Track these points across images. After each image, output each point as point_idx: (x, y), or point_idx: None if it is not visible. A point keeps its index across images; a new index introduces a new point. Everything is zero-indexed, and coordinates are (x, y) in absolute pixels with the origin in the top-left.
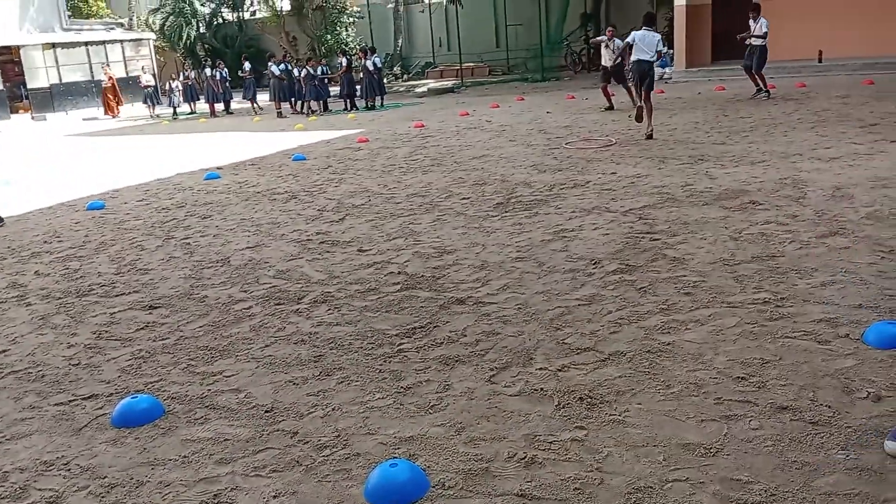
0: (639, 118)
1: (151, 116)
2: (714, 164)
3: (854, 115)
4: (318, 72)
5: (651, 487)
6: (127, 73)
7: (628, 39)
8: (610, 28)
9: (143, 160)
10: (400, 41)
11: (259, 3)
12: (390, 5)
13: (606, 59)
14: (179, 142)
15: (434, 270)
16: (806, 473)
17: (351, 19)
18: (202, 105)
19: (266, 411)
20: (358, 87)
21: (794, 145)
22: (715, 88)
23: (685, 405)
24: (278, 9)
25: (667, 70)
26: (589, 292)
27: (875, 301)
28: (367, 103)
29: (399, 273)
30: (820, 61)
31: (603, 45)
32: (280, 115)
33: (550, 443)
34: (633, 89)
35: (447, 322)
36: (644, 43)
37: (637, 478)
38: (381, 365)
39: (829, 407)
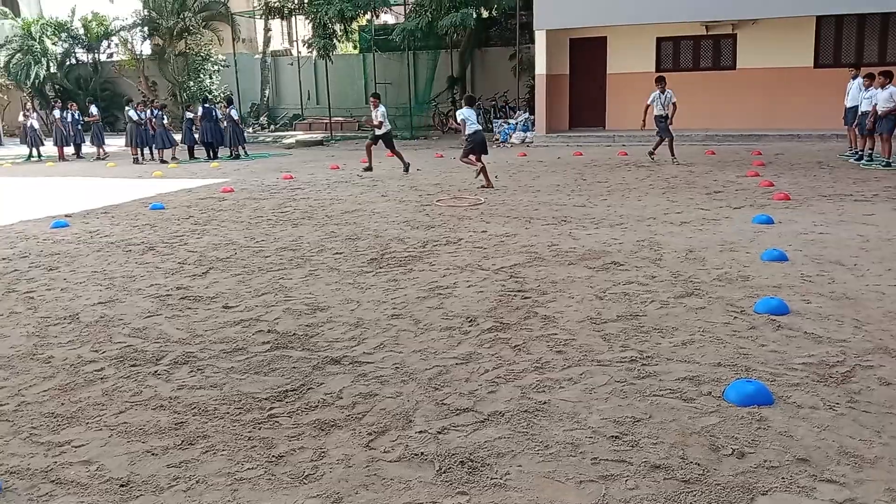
0: (483, 176)
1: None
2: (576, 225)
3: (700, 183)
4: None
5: None
6: None
7: (461, 118)
8: (373, 97)
9: None
10: (267, 92)
11: (117, 45)
12: (257, 56)
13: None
14: (24, 186)
15: (307, 328)
16: None
17: (216, 67)
18: (48, 148)
19: (121, 486)
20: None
21: (648, 209)
22: (574, 153)
23: (564, 466)
24: (138, 52)
25: (528, 134)
26: (466, 350)
27: (732, 359)
28: (231, 153)
29: (269, 331)
30: None
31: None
32: (136, 161)
33: None
34: (471, 157)
35: (321, 384)
36: (473, 118)
37: None
38: (249, 432)
39: (699, 465)
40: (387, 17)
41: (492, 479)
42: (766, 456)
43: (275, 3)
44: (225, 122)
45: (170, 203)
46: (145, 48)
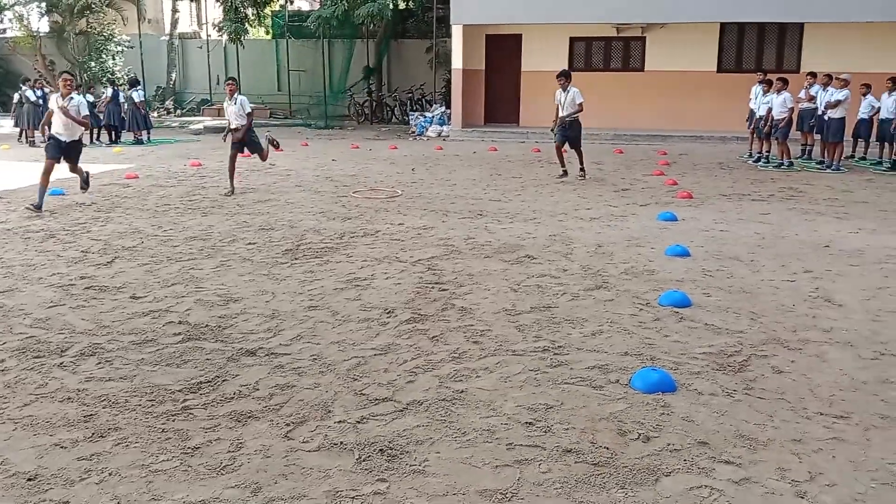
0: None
1: None
2: (492, 219)
3: (609, 181)
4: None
5: None
6: None
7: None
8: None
9: None
10: (174, 75)
11: (11, 20)
12: (164, 38)
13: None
14: None
15: (220, 319)
16: None
17: (119, 48)
18: None
19: (28, 479)
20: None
21: (559, 205)
22: (489, 149)
23: (480, 452)
24: (34, 29)
25: (444, 128)
26: (384, 341)
27: (638, 349)
28: (134, 137)
29: (180, 322)
30: None
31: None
32: (32, 143)
33: (352, 498)
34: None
35: (237, 375)
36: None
37: None
38: (163, 424)
39: (608, 448)
40: (301, 4)
41: (411, 466)
42: (669, 440)
43: None
44: (126, 105)
45: (70, 189)
46: (43, 25)
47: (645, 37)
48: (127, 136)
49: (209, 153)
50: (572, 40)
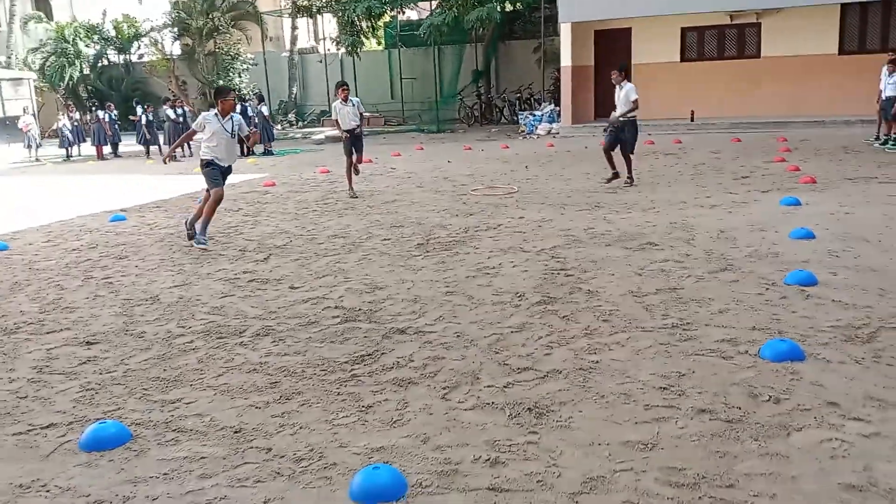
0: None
1: (34, 159)
2: (609, 210)
3: (727, 169)
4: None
5: (603, 477)
6: (4, 114)
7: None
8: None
9: (37, 203)
10: (295, 89)
11: (148, 45)
12: (284, 54)
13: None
14: (71, 184)
15: (369, 304)
16: (728, 460)
17: (245, 66)
18: (86, 147)
19: (235, 432)
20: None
21: (678, 194)
22: (600, 143)
23: (620, 411)
24: (168, 52)
25: (554, 125)
26: (518, 321)
27: (765, 324)
28: (264, 149)
29: (336, 307)
30: (692, 120)
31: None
32: (174, 158)
33: (509, 446)
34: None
35: (392, 349)
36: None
37: (589, 470)
38: (337, 389)
39: (740, 409)
40: (410, 13)
41: (557, 421)
42: (799, 401)
43: (303, 2)
44: (256, 119)
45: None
46: (175, 48)
47: (760, 22)
48: (257, 147)
49: (334, 161)
50: (684, 30)
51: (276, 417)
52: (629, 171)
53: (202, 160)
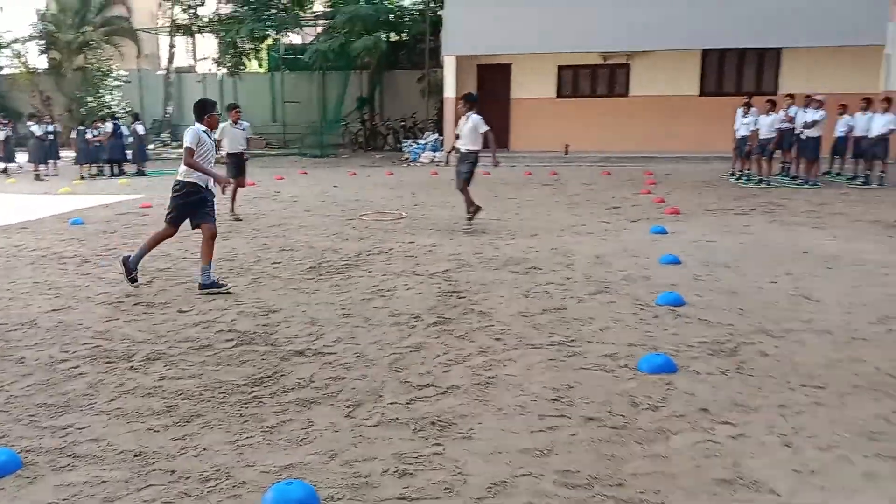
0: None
1: None
2: (495, 236)
3: (600, 199)
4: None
5: (505, 482)
6: None
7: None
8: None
9: None
10: (170, 108)
11: (10, 57)
12: (160, 72)
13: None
14: None
15: (264, 327)
16: (616, 462)
17: (117, 83)
18: None
19: (135, 455)
20: (128, 152)
21: (557, 222)
22: (483, 173)
23: (517, 422)
24: (32, 66)
25: (437, 154)
26: (416, 341)
27: (641, 340)
28: (137, 169)
29: (229, 331)
30: (566, 153)
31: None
32: (38, 177)
33: (416, 458)
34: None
35: (292, 371)
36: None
37: (492, 476)
38: (239, 411)
39: (623, 416)
40: (294, 38)
41: (460, 433)
42: (674, 408)
43: (183, 20)
44: (131, 139)
45: (89, 219)
46: (41, 62)
47: (629, 64)
48: (129, 168)
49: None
50: (560, 68)
51: (176, 440)
52: (470, 206)
53: (183, 184)
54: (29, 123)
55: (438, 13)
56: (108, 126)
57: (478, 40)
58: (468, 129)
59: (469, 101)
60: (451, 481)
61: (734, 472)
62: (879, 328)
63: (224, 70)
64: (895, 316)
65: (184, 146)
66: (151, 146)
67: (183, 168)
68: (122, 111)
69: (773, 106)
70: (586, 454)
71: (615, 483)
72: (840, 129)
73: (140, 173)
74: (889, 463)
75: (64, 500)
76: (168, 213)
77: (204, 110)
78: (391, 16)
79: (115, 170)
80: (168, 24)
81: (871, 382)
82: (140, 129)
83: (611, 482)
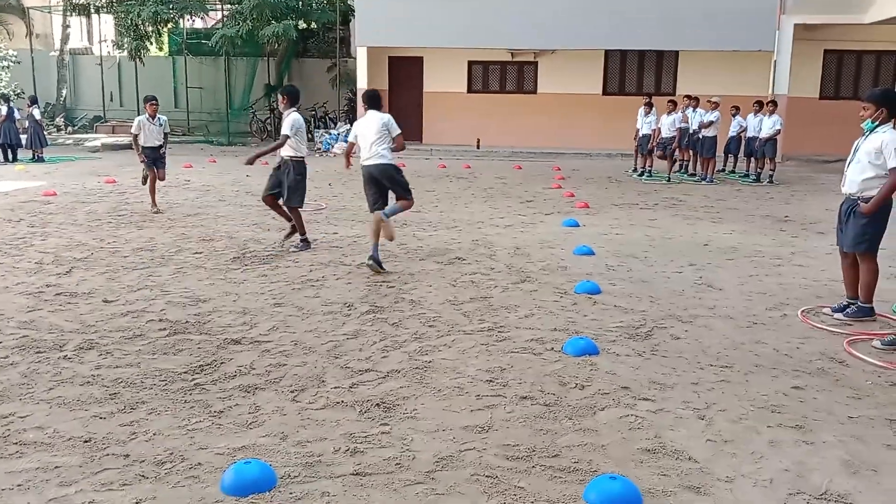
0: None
1: None
2: (417, 228)
3: (514, 193)
4: None
5: (452, 456)
6: None
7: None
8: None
9: None
10: (64, 91)
11: None
12: (53, 53)
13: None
14: None
15: (196, 317)
16: (551, 436)
17: (5, 63)
18: None
19: (84, 441)
20: (23, 137)
21: (475, 215)
22: (399, 164)
23: (456, 402)
24: None
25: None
26: (352, 328)
27: (564, 325)
28: (34, 155)
29: (160, 321)
30: (478, 147)
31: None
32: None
33: (365, 437)
34: None
35: (231, 359)
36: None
37: (438, 451)
38: (183, 397)
39: (554, 394)
40: (197, 22)
41: (404, 413)
42: (599, 387)
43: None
44: (27, 123)
45: None
46: None
47: (537, 61)
48: (24, 153)
49: (117, 170)
50: (470, 63)
51: (125, 426)
52: (298, 229)
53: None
54: None
55: (349, 2)
56: (3, 109)
57: (390, 32)
58: (287, 127)
59: (287, 95)
60: (400, 457)
61: (656, 442)
62: (775, 313)
63: (123, 53)
64: (789, 303)
65: (288, 132)
66: (46, 132)
67: (294, 150)
68: (14, 93)
69: (674, 106)
70: (523, 429)
71: (552, 454)
72: (733, 130)
73: (38, 159)
74: (790, 432)
75: (18, 485)
76: (371, 201)
77: (297, 99)
78: (300, 3)
79: (10, 155)
80: (62, 2)
81: (771, 362)
82: (37, 113)
83: (547, 454)
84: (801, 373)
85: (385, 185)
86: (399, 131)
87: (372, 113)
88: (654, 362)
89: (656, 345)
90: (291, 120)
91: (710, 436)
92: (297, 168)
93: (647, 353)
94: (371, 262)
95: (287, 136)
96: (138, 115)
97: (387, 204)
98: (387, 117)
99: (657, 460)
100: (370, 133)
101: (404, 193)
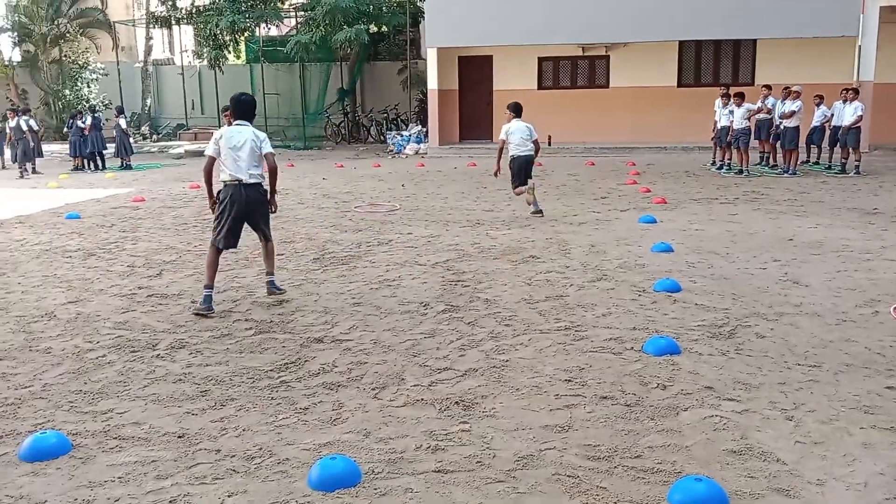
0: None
1: None
2: (490, 227)
3: (587, 190)
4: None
5: (532, 455)
6: None
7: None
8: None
9: None
10: (149, 101)
11: None
12: (138, 64)
13: None
14: None
15: (280, 316)
16: (633, 436)
17: (94, 75)
18: None
19: (178, 437)
20: (110, 146)
21: (548, 213)
22: (468, 164)
23: (535, 401)
24: (6, 59)
25: (421, 146)
26: (429, 328)
27: (643, 324)
28: (122, 163)
29: (246, 320)
30: (549, 144)
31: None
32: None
33: (445, 435)
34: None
35: (314, 357)
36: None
37: (519, 450)
38: (270, 394)
39: (635, 395)
40: (272, 30)
41: (483, 412)
42: (682, 387)
43: (161, 12)
44: (114, 132)
45: (83, 212)
46: (15, 55)
47: (609, 55)
48: (113, 161)
49: (201, 176)
50: (540, 60)
51: (215, 422)
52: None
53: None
54: (25, 117)
55: (419, 4)
56: (88, 119)
57: (459, 32)
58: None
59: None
60: (480, 455)
61: (742, 443)
62: (866, 310)
63: (203, 62)
64: (880, 299)
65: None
66: (131, 139)
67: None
68: (101, 104)
69: (741, 99)
70: (604, 429)
71: (634, 455)
72: (816, 119)
73: (126, 167)
74: (884, 433)
75: (119, 477)
76: (518, 180)
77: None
78: (371, 7)
79: (100, 164)
80: (144, 15)
81: (862, 361)
82: (123, 122)
83: (630, 454)
84: (895, 372)
85: (529, 169)
86: (536, 136)
87: (517, 121)
88: (738, 362)
89: (740, 344)
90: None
91: (798, 437)
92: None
93: (730, 353)
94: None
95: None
96: (218, 123)
97: (524, 183)
98: (529, 124)
99: (744, 462)
100: (520, 133)
101: (530, 175)
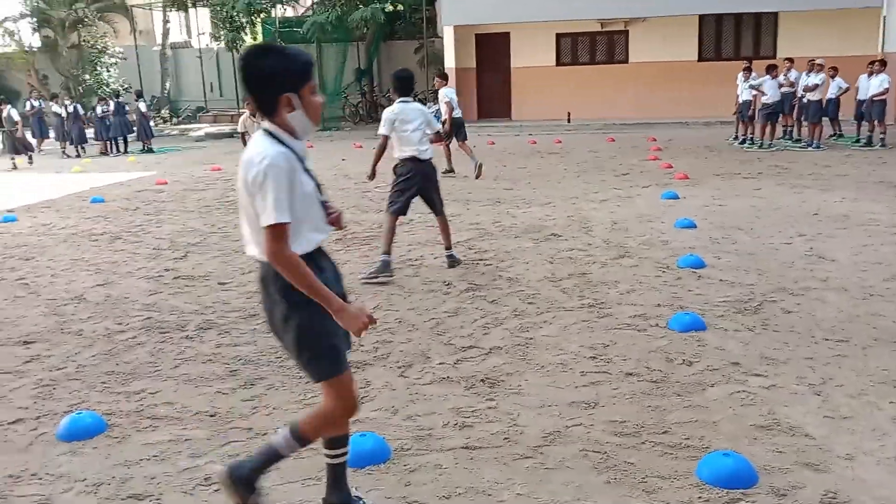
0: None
1: None
2: (510, 205)
3: (608, 167)
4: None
5: (559, 431)
6: None
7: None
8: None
9: None
10: (168, 84)
11: (3, 36)
12: (155, 48)
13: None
14: None
15: None
16: (659, 412)
17: (113, 60)
18: None
19: (210, 416)
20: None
21: (569, 190)
22: (487, 142)
23: (561, 378)
24: (26, 45)
25: (439, 125)
26: (453, 306)
27: (668, 301)
28: (143, 146)
29: None
30: (569, 121)
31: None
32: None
33: (472, 411)
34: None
35: None
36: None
37: (545, 427)
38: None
39: (661, 371)
40: (288, 10)
41: (509, 389)
42: (708, 363)
43: None
44: (134, 116)
45: (108, 196)
46: (35, 40)
47: (628, 30)
48: (134, 145)
49: (222, 158)
50: (558, 36)
51: (246, 401)
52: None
53: None
54: (52, 103)
55: None
56: (111, 104)
57: (475, 10)
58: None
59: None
60: (508, 432)
61: (770, 418)
62: (893, 284)
63: (221, 44)
64: None
65: None
66: (152, 123)
67: None
68: (122, 89)
69: (748, 73)
70: (630, 406)
71: (661, 431)
72: (832, 92)
73: (147, 150)
74: None
75: (154, 456)
76: None
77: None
78: None
79: (122, 147)
80: None
81: (891, 335)
82: (143, 106)
83: (657, 430)
84: None
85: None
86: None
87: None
88: (764, 337)
89: (766, 319)
90: None
91: (827, 412)
92: None
93: (757, 328)
94: None
95: None
96: (238, 105)
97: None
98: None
99: (772, 437)
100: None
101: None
